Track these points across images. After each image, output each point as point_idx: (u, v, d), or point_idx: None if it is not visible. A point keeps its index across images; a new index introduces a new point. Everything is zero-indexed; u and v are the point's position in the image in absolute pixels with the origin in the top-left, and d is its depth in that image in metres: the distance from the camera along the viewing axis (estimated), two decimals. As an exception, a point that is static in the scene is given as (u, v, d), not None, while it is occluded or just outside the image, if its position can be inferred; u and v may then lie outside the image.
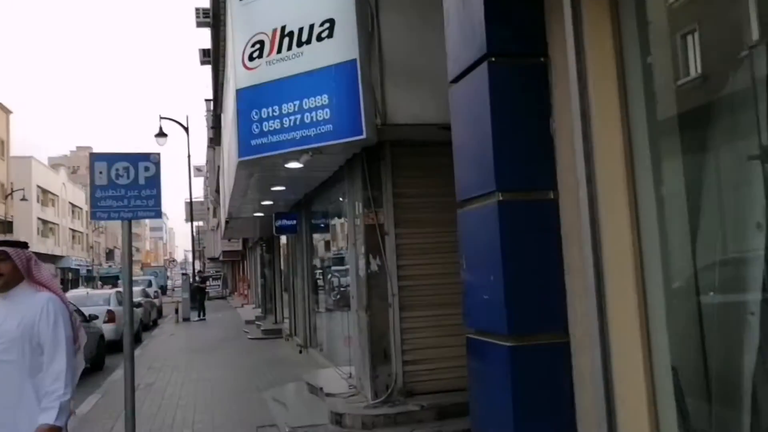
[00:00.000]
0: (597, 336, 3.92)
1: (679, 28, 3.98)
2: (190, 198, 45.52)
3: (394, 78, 9.11)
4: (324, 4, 9.26)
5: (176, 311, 35.05)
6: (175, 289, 62.45)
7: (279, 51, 9.50)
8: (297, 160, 10.13)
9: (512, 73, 4.46)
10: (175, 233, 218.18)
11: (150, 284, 46.37)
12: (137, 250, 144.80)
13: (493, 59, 4.42)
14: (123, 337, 8.56)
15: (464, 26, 4.77)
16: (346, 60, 8.99)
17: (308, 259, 17.66)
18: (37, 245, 72.53)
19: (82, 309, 19.21)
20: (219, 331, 27.38)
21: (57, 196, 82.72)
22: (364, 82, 8.87)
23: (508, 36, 4.45)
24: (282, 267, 24.38)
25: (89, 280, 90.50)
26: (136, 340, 24.98)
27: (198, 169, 64.43)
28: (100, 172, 8.54)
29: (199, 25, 29.03)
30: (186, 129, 41.77)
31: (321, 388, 11.28)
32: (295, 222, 17.86)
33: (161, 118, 38.22)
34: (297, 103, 9.28)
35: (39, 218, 75.34)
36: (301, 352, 17.96)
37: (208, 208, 56.60)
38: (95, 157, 8.69)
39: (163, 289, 73.23)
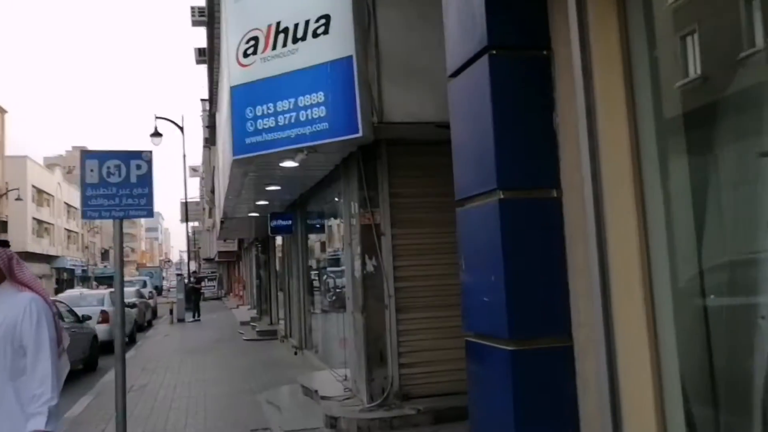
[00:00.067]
0: (602, 339, 3.76)
1: (688, 20, 3.83)
2: (185, 198, 45.42)
3: (391, 75, 8.96)
4: (320, 0, 9.10)
5: (171, 312, 34.89)
6: (171, 289, 62.30)
7: (274, 47, 9.35)
8: (292, 158, 9.99)
9: (514, 67, 4.29)
10: (171, 234, 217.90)
11: (144, 285, 46.13)
12: (132, 250, 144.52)
13: (494, 52, 4.25)
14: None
15: (464, 18, 4.60)
16: (342, 57, 8.84)
17: (304, 260, 17.54)
18: (32, 245, 72.36)
19: (76, 309, 19.12)
20: (214, 332, 27.23)
21: (52, 196, 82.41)
22: (360, 80, 8.73)
23: (509, 28, 4.29)
24: (277, 268, 24.27)
25: (84, 280, 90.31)
26: (130, 340, 24.91)
27: (194, 170, 64.31)
28: (91, 170, 8.39)
29: (195, 24, 28.87)
30: (181, 129, 41.67)
31: (316, 391, 11.12)
32: (290, 222, 17.72)
33: (156, 117, 38.01)
34: (292, 100, 9.14)
35: (34, 218, 75.02)
36: (296, 353, 17.82)
37: (204, 209, 56.41)
38: (86, 155, 8.55)
39: (159, 290, 73.06)
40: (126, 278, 47.38)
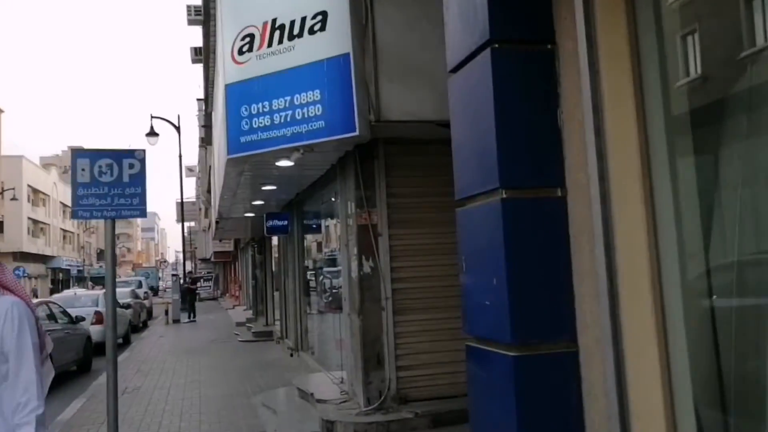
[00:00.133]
0: (610, 344, 3.60)
1: (699, 15, 3.67)
2: (181, 198, 45.21)
3: (389, 73, 8.79)
4: (317, -4, 8.94)
5: (166, 313, 34.71)
6: (167, 289, 62.16)
7: (269, 45, 9.18)
8: (288, 158, 9.82)
9: (517, 61, 4.15)
10: (167, 234, 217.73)
11: (140, 285, 45.95)
12: (128, 250, 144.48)
13: (497, 45, 4.11)
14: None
15: (465, 10, 4.44)
16: (339, 54, 8.66)
17: (300, 261, 17.38)
18: (28, 245, 72.22)
19: (70, 310, 18.94)
20: (209, 333, 27.08)
21: (48, 195, 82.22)
22: (357, 77, 8.55)
23: (512, 20, 4.14)
24: (273, 268, 24.11)
25: (80, 280, 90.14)
26: (125, 342, 24.77)
27: (190, 169, 64.11)
28: (83, 170, 8.23)
29: (191, 23, 28.75)
30: (177, 128, 41.44)
31: (312, 394, 10.95)
32: (286, 222, 17.56)
33: (152, 117, 37.77)
34: (288, 98, 8.96)
35: (29, 218, 74.82)
36: (292, 355, 17.66)
37: (200, 209, 56.25)
38: (77, 154, 8.38)
39: (155, 290, 72.90)
40: (122, 278, 47.09)
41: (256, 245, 30.48)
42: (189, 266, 60.52)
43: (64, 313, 18.14)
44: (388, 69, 8.80)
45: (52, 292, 65.76)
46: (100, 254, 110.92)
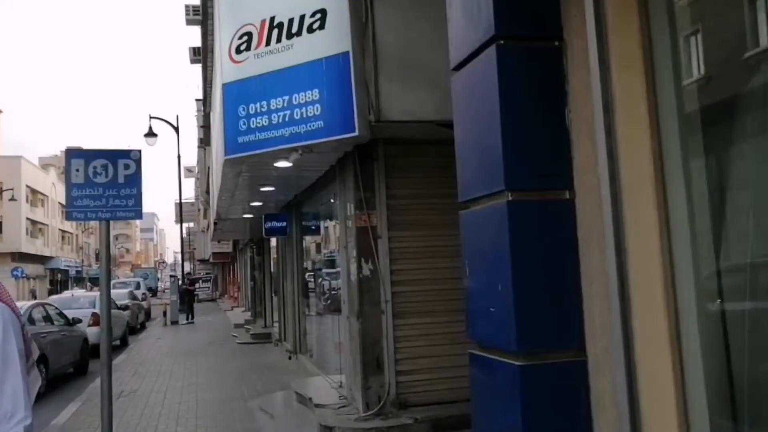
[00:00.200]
0: (621, 353, 3.44)
1: (715, 10, 3.52)
2: (180, 199, 45.08)
3: (389, 72, 8.63)
4: (316, -6, 8.79)
5: (164, 314, 34.54)
6: (165, 290, 62.01)
7: (268, 43, 9.03)
8: (286, 158, 9.67)
9: (523, 58, 3.99)
10: (166, 234, 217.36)
11: (138, 286, 45.79)
12: (127, 251, 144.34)
13: (502, 42, 3.95)
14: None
15: (469, 6, 4.28)
16: (338, 53, 8.51)
17: (299, 262, 17.25)
18: (26, 246, 72.08)
19: (68, 312, 18.79)
20: (207, 335, 26.90)
21: (46, 196, 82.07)
22: (357, 77, 8.41)
23: (518, 16, 3.98)
24: (272, 269, 23.97)
25: (79, 281, 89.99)
26: (122, 343, 24.66)
27: (189, 170, 63.94)
28: (77, 170, 8.13)
29: (189, 22, 28.62)
30: (176, 129, 41.34)
31: (310, 398, 10.79)
32: (285, 224, 17.43)
33: (151, 117, 37.64)
34: (286, 98, 8.81)
35: (28, 218, 74.70)
36: (290, 358, 17.51)
37: (199, 210, 56.07)
38: (72, 154, 8.27)
39: (153, 291, 72.75)
40: (120, 279, 47.07)
41: (255, 246, 30.33)
42: (188, 267, 60.30)
43: (61, 314, 17.99)
44: (388, 68, 8.65)
45: (51, 292, 65.62)
46: (99, 255, 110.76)
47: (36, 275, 75.57)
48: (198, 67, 29.53)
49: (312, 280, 16.24)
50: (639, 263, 3.44)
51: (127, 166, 8.20)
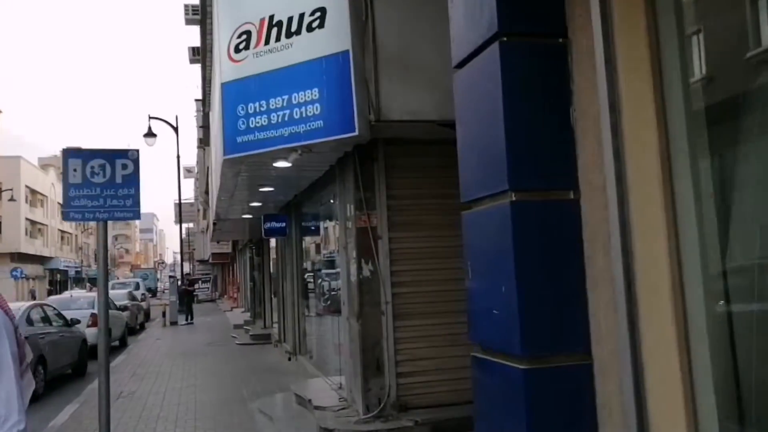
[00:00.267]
0: (628, 356, 3.37)
1: (723, 6, 3.44)
2: (179, 199, 44.98)
3: (390, 71, 8.55)
4: (315, -8, 8.71)
5: (163, 315, 34.46)
6: (165, 291, 61.94)
7: (267, 42, 8.95)
8: (285, 158, 9.60)
9: (526, 56, 3.91)
10: (165, 235, 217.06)
11: (137, 287, 45.70)
12: (127, 251, 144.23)
13: (505, 39, 3.87)
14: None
15: (471, 2, 4.20)
16: (338, 51, 8.43)
17: (298, 263, 17.17)
18: (26, 246, 71.99)
19: (66, 313, 18.71)
20: (206, 336, 26.81)
21: (46, 196, 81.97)
22: (357, 76, 8.32)
23: (522, 12, 3.90)
24: (271, 270, 23.89)
25: (78, 281, 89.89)
26: (121, 344, 24.58)
27: (188, 171, 63.85)
28: (74, 170, 8.05)
29: (188, 22, 28.52)
30: (175, 129, 41.25)
31: (310, 400, 10.71)
32: (284, 224, 17.35)
33: (150, 117, 37.50)
34: (285, 97, 8.73)
35: (27, 219, 74.58)
36: (290, 359, 17.43)
37: (198, 210, 56.02)
38: (69, 154, 8.19)
39: (153, 292, 72.66)
40: (120, 280, 46.97)
41: (254, 247, 30.26)
42: (187, 268, 60.22)
43: (59, 315, 17.90)
44: (388, 67, 8.57)
45: (50, 293, 65.54)
46: (97, 255, 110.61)
47: (35, 276, 75.49)
48: (197, 67, 29.45)
49: (312, 280, 16.15)
50: (646, 265, 3.36)
51: (125, 166, 8.13)
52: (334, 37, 8.49)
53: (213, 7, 11.70)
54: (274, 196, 15.10)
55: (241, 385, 14.30)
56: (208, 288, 69.15)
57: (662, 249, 3.32)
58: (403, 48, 8.59)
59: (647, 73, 3.42)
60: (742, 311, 3.25)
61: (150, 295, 55.66)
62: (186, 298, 36.52)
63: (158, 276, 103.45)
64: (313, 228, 16.08)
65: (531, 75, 3.89)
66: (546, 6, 3.95)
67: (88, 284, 79.87)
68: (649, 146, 3.38)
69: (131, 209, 8.12)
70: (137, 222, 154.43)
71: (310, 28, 8.62)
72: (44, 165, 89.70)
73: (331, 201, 12.15)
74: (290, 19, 8.74)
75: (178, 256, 58.15)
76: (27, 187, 74.50)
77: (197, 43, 26.17)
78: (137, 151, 8.27)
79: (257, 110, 8.96)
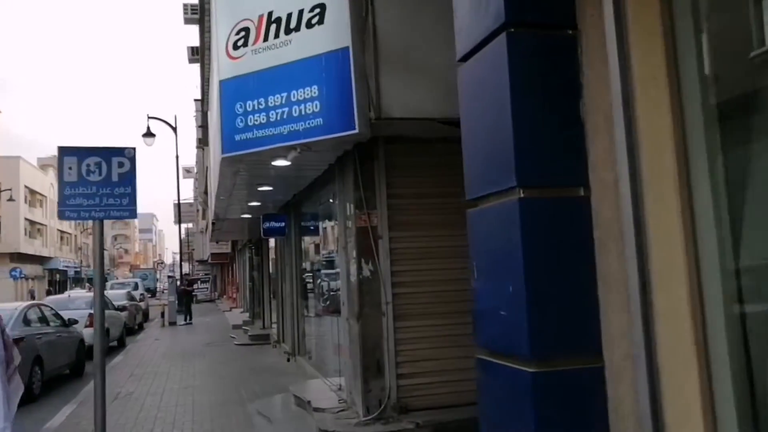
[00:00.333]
0: (643, 360, 3.22)
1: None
2: (178, 199, 44.87)
3: (391, 68, 8.42)
4: (315, -12, 8.57)
5: (162, 315, 34.36)
6: (164, 291, 61.86)
7: (266, 39, 8.83)
8: (284, 157, 9.47)
9: (534, 47, 3.77)
10: (165, 235, 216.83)
11: (136, 287, 45.56)
12: (126, 251, 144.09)
13: (512, 30, 3.72)
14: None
15: (477, -8, 4.06)
16: (337, 48, 8.30)
17: (297, 263, 17.06)
18: (25, 246, 71.89)
19: (64, 313, 18.57)
20: (205, 336, 26.70)
21: (45, 196, 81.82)
22: (357, 73, 8.19)
23: (530, 2, 3.76)
24: (270, 270, 23.78)
25: (77, 281, 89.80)
26: (120, 344, 24.48)
27: (187, 171, 63.74)
28: (70, 168, 7.98)
29: (187, 21, 28.45)
30: (174, 129, 41.11)
31: (309, 402, 10.57)
32: (283, 224, 17.24)
33: (149, 117, 37.39)
34: (284, 95, 8.62)
35: (26, 219, 74.48)
36: (289, 360, 17.31)
37: (198, 210, 55.90)
38: (64, 152, 8.07)
39: (153, 292, 72.55)
40: (119, 280, 46.99)
41: (253, 247, 30.16)
42: (186, 268, 60.11)
43: (57, 315, 17.76)
44: (389, 64, 8.44)
45: (49, 293, 65.40)
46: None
47: (34, 276, 75.38)
48: (196, 67, 29.36)
49: (311, 281, 16.04)
50: (661, 264, 3.22)
51: (121, 164, 8.04)
52: (334, 34, 8.36)
53: (211, 4, 11.58)
54: (273, 195, 14.98)
55: (239, 386, 14.18)
56: (207, 288, 69.04)
57: (678, 248, 3.17)
58: (404, 44, 8.47)
59: (662, 64, 3.27)
60: (763, 312, 3.11)
61: (149, 296, 55.55)
62: (185, 299, 36.44)
63: (157, 276, 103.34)
64: (312, 228, 15.95)
65: (539, 67, 3.74)
66: (555, -5, 3.81)
67: (87, 284, 79.71)
68: (665, 141, 3.24)
69: (127, 208, 8.02)
70: (136, 222, 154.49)
71: (309, 25, 8.50)
72: (43, 165, 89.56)
73: (331, 200, 12.02)
74: (289, 16, 8.62)
75: (178, 257, 58.02)
76: (26, 187, 74.43)
77: (196, 42, 26.09)
78: (134, 149, 8.17)
79: (256, 108, 8.85)
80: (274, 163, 10.04)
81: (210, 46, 14.69)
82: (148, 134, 36.37)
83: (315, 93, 8.38)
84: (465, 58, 4.23)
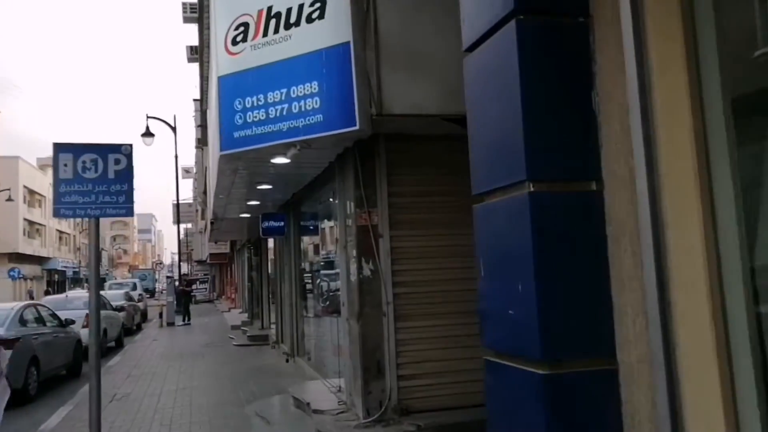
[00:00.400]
0: (661, 362, 3.06)
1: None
2: (177, 199, 44.69)
3: (392, 64, 8.26)
4: (315, -19, 8.42)
5: (160, 315, 34.22)
6: (163, 291, 61.78)
7: (265, 34, 8.67)
8: (284, 154, 9.31)
9: (545, 35, 3.62)
10: (164, 236, 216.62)
11: (134, 287, 45.40)
12: (125, 252, 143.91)
13: (522, 17, 3.57)
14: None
15: (485, -22, 3.90)
16: (338, 43, 8.15)
17: (296, 263, 16.92)
18: (23, 246, 71.78)
19: (62, 313, 18.45)
20: (203, 337, 26.54)
21: (44, 197, 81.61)
22: (358, 68, 8.04)
23: (540, -12, 3.60)
24: (269, 270, 23.65)
25: (76, 281, 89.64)
26: (118, 345, 24.31)
27: (186, 171, 63.67)
28: (65, 165, 7.84)
29: (186, 20, 28.35)
30: (173, 128, 40.94)
31: (308, 404, 10.43)
32: (282, 223, 17.11)
33: (148, 117, 37.15)
34: (284, 91, 8.46)
35: (25, 219, 74.33)
36: (287, 360, 17.16)
37: (197, 210, 55.81)
38: (60, 148, 7.92)
39: (151, 292, 72.39)
40: (117, 280, 46.98)
41: (252, 247, 30.03)
42: (185, 268, 59.98)
43: (54, 315, 17.60)
44: (390, 59, 8.28)
45: (48, 294, 65.30)
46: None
47: (33, 276, 75.24)
48: (196, 66, 29.27)
49: (310, 281, 15.90)
50: (681, 262, 3.05)
51: (117, 161, 7.90)
52: (335, 29, 8.21)
53: (210, 0, 11.44)
54: (272, 194, 14.84)
55: (237, 388, 14.01)
56: (205, 289, 68.94)
57: (699, 244, 3.01)
58: (406, 40, 8.31)
59: (681, 50, 3.11)
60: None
61: (148, 296, 55.42)
62: (183, 299, 36.31)
63: (156, 277, 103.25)
64: (311, 227, 15.81)
65: (550, 56, 3.59)
66: (566, -19, 3.66)
67: (86, 284, 79.43)
68: (684, 131, 3.08)
69: (124, 206, 7.87)
70: (135, 222, 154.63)
71: (309, 19, 8.34)
72: (42, 165, 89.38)
73: (331, 199, 11.88)
74: (289, 10, 8.47)
75: (176, 257, 57.91)
76: (25, 187, 74.29)
77: (195, 41, 25.99)
78: (130, 145, 8.03)
79: (255, 104, 8.69)
80: (273, 160, 9.89)
81: (209, 43, 14.55)
82: (147, 134, 36.16)
83: (315, 89, 8.23)
84: (472, 47, 4.08)
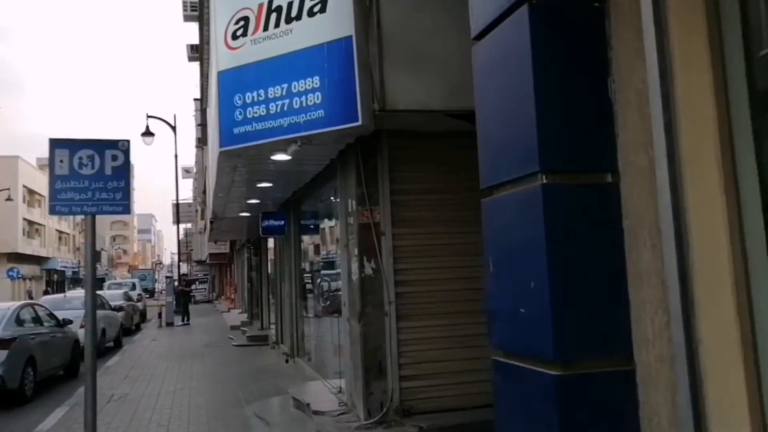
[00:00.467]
0: (683, 363, 2.90)
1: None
2: (177, 199, 44.54)
3: (395, 58, 8.10)
4: (317, -26, 8.27)
5: (159, 315, 34.10)
6: (162, 291, 61.70)
7: (265, 28, 8.52)
8: (284, 151, 9.16)
9: (559, 20, 3.46)
10: (164, 236, 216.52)
11: (134, 287, 45.28)
12: (125, 252, 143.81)
13: (535, 1, 3.41)
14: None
15: (496, -38, 3.74)
16: (340, 37, 7.99)
17: (296, 262, 16.77)
18: (23, 246, 71.72)
19: (60, 313, 18.30)
20: (203, 337, 26.41)
21: (44, 196, 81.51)
22: (360, 63, 7.88)
23: (554, -29, 3.45)
24: (269, 271, 23.52)
25: (75, 281, 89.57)
26: (116, 345, 24.19)
27: (186, 171, 63.60)
28: (61, 161, 7.71)
29: (187, 19, 28.21)
30: (173, 128, 40.80)
31: (308, 405, 10.27)
32: (282, 223, 16.96)
33: (148, 116, 36.95)
34: (285, 86, 8.30)
35: (25, 219, 74.28)
36: (287, 361, 17.02)
37: (197, 210, 55.73)
38: (56, 144, 7.78)
39: (151, 292, 72.27)
40: (116, 280, 46.85)
41: (252, 247, 29.91)
42: (185, 268, 59.88)
43: (51, 315, 17.44)
44: (393, 54, 8.12)
45: (47, 294, 65.21)
46: (96, 255, 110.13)
47: (32, 276, 75.16)
48: (196, 65, 29.17)
49: (310, 281, 15.76)
50: (704, 256, 2.89)
51: (114, 158, 7.76)
52: (337, 22, 8.05)
53: (210, -4, 11.30)
54: (272, 192, 14.68)
55: (237, 388, 13.86)
56: (205, 289, 68.87)
57: (723, 237, 2.85)
58: (410, 34, 8.15)
59: (704, 34, 2.96)
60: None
61: (147, 296, 55.30)
62: (182, 299, 36.17)
63: (156, 277, 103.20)
64: (312, 226, 15.66)
65: (564, 42, 3.44)
66: (580, -35, 3.50)
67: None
68: (706, 118, 2.92)
69: (121, 203, 7.74)
70: (135, 222, 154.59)
71: (311, 13, 8.19)
72: (42, 165, 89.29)
73: (332, 198, 11.73)
74: (290, 4, 8.32)
75: (175, 257, 57.82)
76: (25, 186, 74.24)
77: (196, 40, 25.87)
78: (128, 141, 7.89)
79: (255, 100, 8.53)
80: (273, 157, 9.74)
81: (209, 39, 14.41)
82: (147, 133, 36.00)
83: (317, 84, 8.07)
84: (480, 35, 3.92)
